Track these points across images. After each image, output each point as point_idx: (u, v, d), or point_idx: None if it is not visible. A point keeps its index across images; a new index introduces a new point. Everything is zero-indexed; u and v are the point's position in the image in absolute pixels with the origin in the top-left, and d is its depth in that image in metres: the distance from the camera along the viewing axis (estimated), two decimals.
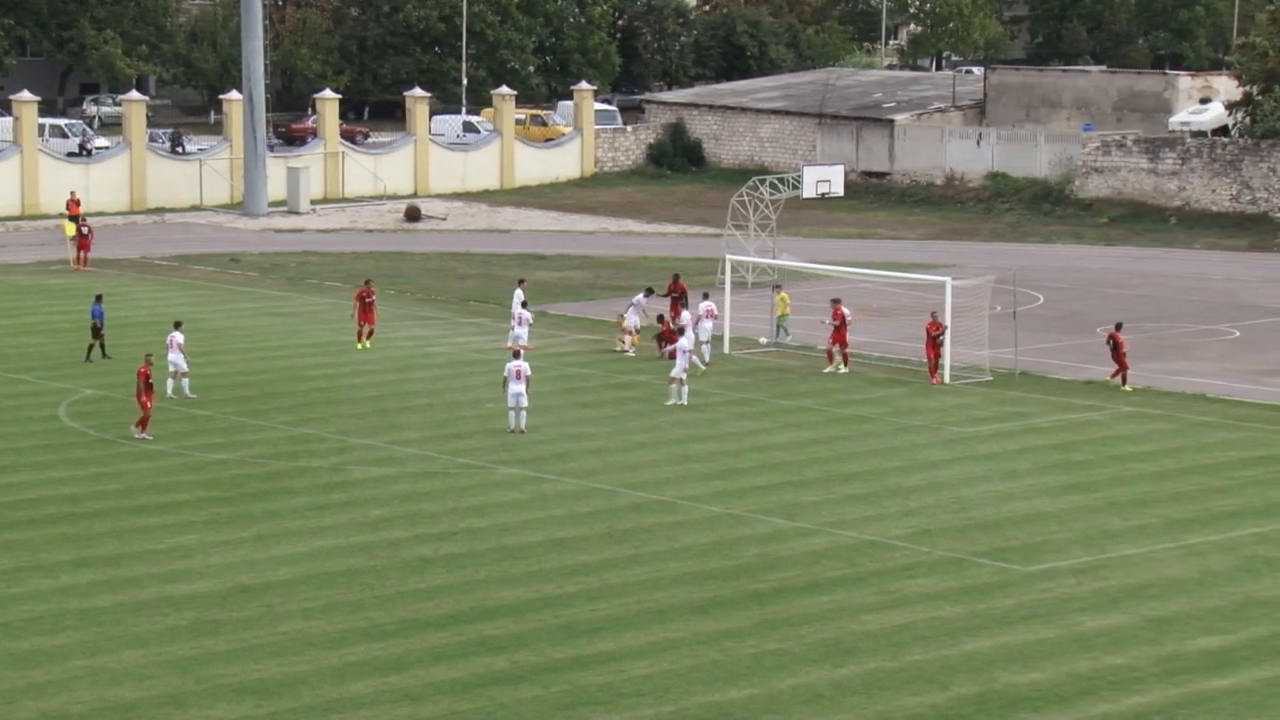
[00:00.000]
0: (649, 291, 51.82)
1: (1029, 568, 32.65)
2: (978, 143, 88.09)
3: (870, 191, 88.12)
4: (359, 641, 28.44)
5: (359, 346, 50.81)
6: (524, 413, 41.55)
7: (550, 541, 33.78)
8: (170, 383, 44.22)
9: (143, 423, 40.85)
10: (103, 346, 49.33)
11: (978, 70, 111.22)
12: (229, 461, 39.21)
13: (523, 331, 49.61)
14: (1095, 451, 41.35)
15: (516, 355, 42.41)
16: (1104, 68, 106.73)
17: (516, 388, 41.37)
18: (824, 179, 66.65)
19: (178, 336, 44.70)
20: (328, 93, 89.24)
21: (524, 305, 51.13)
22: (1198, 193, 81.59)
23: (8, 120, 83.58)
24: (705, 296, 48.92)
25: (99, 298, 50.36)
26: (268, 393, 45.18)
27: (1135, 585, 31.74)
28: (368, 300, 51.31)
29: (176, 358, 44.52)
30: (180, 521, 34.64)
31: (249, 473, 38.38)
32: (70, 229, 65.96)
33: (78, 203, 71.75)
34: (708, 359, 47.57)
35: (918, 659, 28.10)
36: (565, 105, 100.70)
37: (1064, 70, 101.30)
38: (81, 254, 61.48)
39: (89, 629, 28.79)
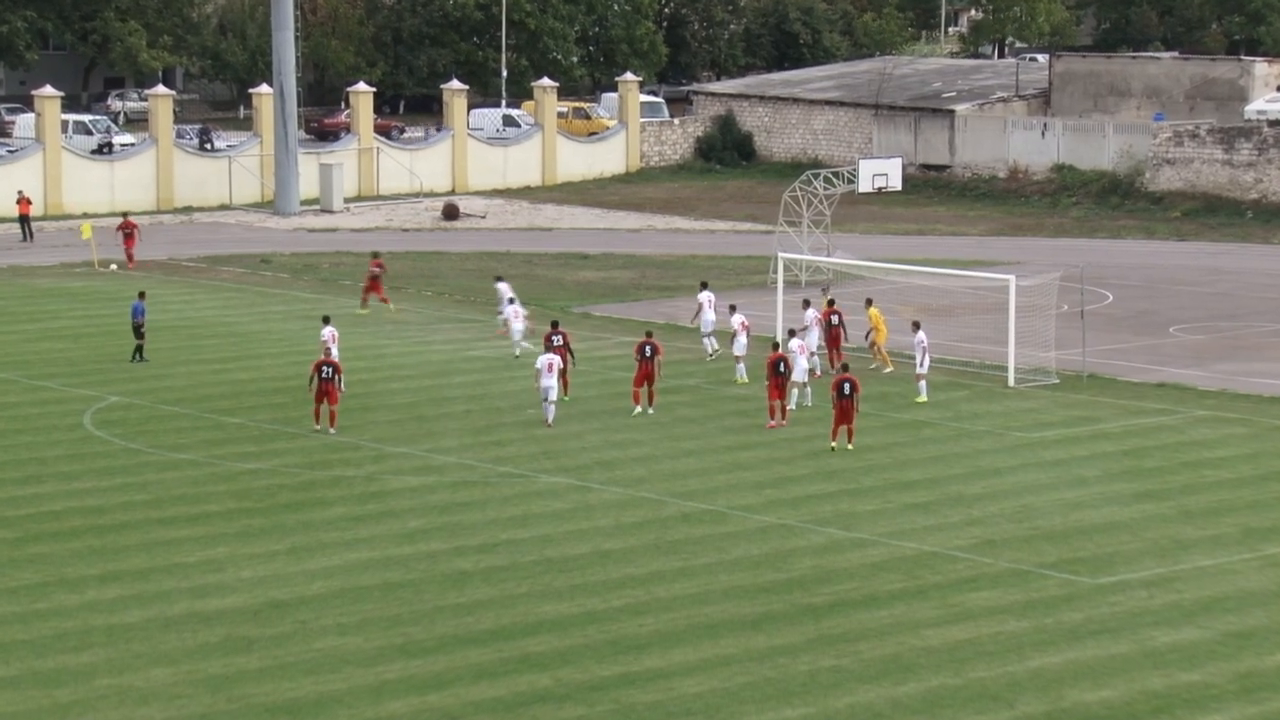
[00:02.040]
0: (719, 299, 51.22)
1: (1098, 580, 32.54)
2: (1042, 134, 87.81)
3: (929, 186, 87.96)
4: (396, 659, 28.56)
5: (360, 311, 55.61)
6: (554, 406, 42.64)
7: (595, 553, 33.84)
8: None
9: (317, 416, 41.90)
10: (141, 349, 49.60)
11: (1042, 58, 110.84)
12: (261, 471, 39.42)
13: (520, 327, 50.59)
14: (1168, 457, 41.18)
15: (550, 347, 43.25)
16: (1175, 54, 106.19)
17: (549, 381, 42.51)
18: (881, 173, 66.57)
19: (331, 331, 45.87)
20: (361, 86, 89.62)
21: (512, 301, 52.34)
22: (1276, 185, 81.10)
23: (30, 116, 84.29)
24: (733, 310, 48.62)
25: (141, 295, 50.66)
26: (301, 399, 45.37)
27: (1211, 598, 31.60)
28: (376, 273, 55.14)
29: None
30: (210, 534, 34.85)
31: (282, 483, 38.58)
32: (88, 231, 66.49)
33: (29, 201, 72.78)
34: (745, 375, 47.47)
35: (982, 676, 28.04)
36: (609, 97, 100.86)
37: (1133, 57, 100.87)
38: (369, 295, 59.08)
39: (116, 646, 28.99)
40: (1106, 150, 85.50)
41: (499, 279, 55.80)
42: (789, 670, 28.17)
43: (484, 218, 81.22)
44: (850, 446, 40.80)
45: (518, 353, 50.29)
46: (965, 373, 49.52)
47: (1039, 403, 46.26)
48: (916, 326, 46.45)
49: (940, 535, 35.09)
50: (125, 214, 70.68)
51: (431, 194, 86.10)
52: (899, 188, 68.63)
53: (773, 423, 43.00)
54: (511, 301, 52.47)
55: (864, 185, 65.67)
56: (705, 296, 50.83)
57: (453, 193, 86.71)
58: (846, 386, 40.65)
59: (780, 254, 55.27)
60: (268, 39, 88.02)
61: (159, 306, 57.53)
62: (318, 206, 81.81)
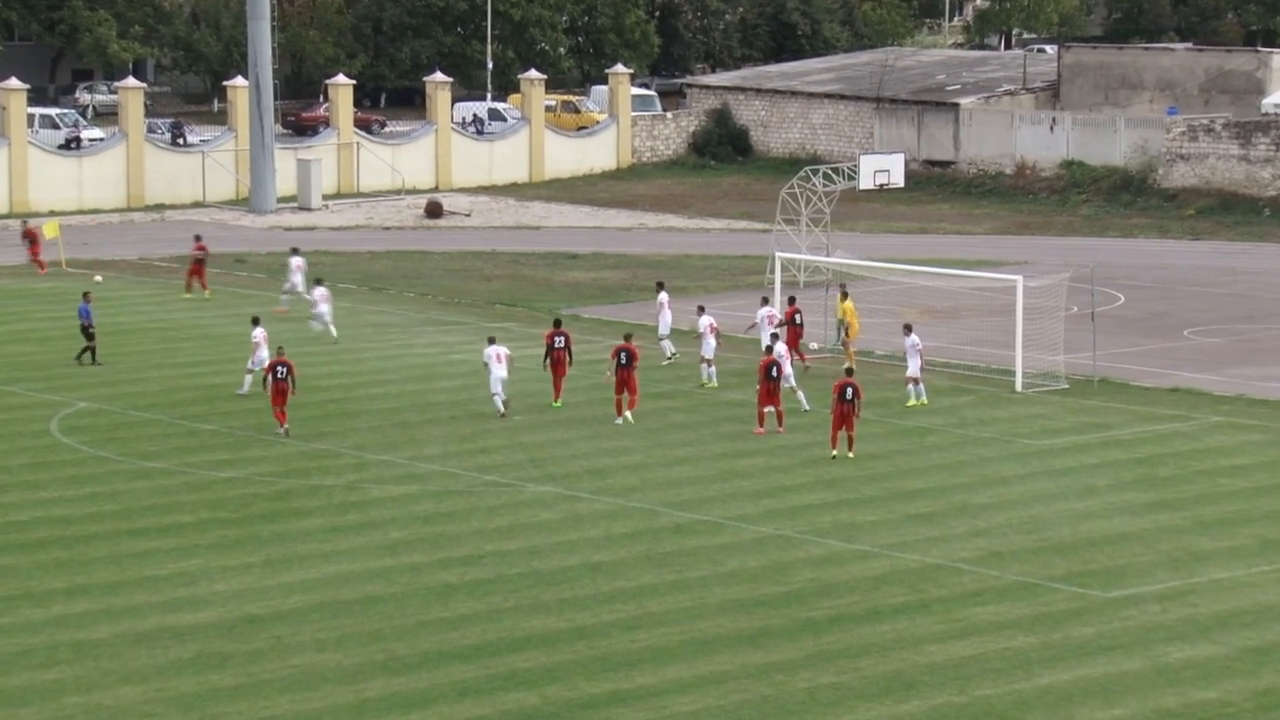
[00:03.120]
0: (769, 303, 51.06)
1: (1109, 593, 32.55)
2: (1051, 128, 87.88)
3: (933, 182, 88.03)
4: (377, 676, 28.52)
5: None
6: (501, 397, 44.21)
7: (585, 566, 33.83)
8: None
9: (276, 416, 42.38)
10: (93, 351, 49.64)
11: (1051, 49, 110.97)
12: (235, 480, 39.38)
13: (326, 309, 52.75)
14: (1182, 466, 41.21)
15: (492, 341, 44.82)
16: (1190, 45, 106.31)
17: (500, 372, 44.12)
18: (882, 169, 66.57)
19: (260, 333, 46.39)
20: (341, 78, 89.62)
21: (320, 282, 54.76)
22: None
23: None
24: (701, 310, 48.60)
25: (86, 295, 50.71)
26: None
27: (1227, 612, 31.61)
28: (200, 256, 59.00)
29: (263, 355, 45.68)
30: (182, 545, 34.81)
31: (257, 492, 38.55)
32: (52, 230, 66.39)
33: None
34: (714, 378, 47.52)
35: (988, 694, 28.03)
36: (599, 90, 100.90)
37: (1146, 48, 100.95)
38: (195, 279, 60.71)
39: (84, 663, 28.94)
40: (1118, 145, 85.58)
41: (295, 250, 58.24)
42: (787, 688, 28.15)
43: (469, 216, 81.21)
44: (851, 454, 40.80)
45: (316, 330, 52.93)
46: (971, 377, 49.54)
47: (1047, 408, 46.28)
48: (908, 329, 46.47)
49: (945, 547, 35.09)
50: (25, 220, 70.17)
51: (414, 191, 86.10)
52: (901, 184, 68.60)
53: (762, 429, 42.99)
54: (320, 282, 54.61)
55: (865, 182, 65.66)
56: (664, 297, 51.09)
57: (436, 190, 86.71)
58: (848, 391, 40.66)
59: (778, 254, 55.28)
60: (243, 29, 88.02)
61: (131, 308, 57.49)
62: (295, 204, 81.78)
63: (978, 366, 50.46)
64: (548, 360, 45.72)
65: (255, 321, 47.53)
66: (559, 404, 45.32)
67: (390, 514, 37.03)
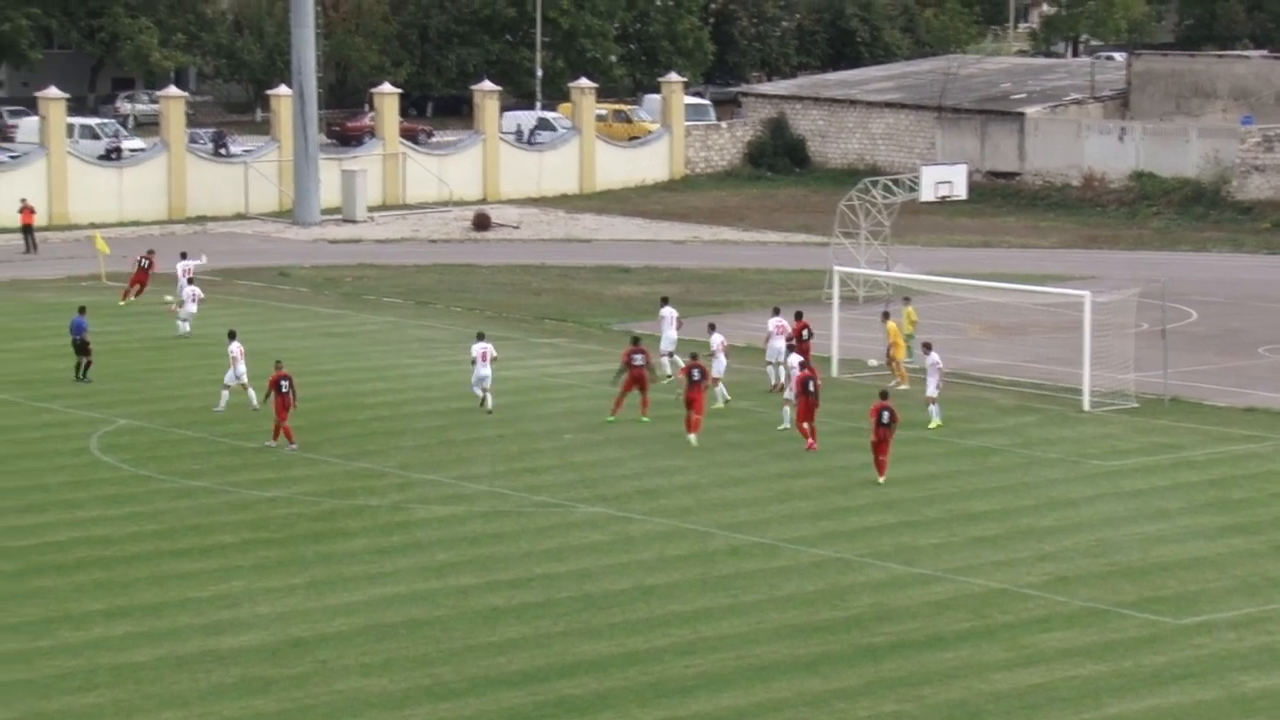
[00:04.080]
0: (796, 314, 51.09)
1: (1182, 620, 32.40)
2: (1120, 138, 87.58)
3: (997, 194, 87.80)
4: (423, 701, 28.59)
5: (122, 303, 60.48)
6: (489, 394, 46.47)
7: (637, 589, 33.85)
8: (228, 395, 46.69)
9: (280, 431, 42.91)
10: (86, 366, 50.00)
11: (1120, 56, 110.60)
12: (278, 499, 39.55)
13: (192, 308, 56.61)
14: (1257, 488, 40.98)
15: (481, 338, 47.07)
16: (1265, 52, 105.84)
17: (483, 370, 46.25)
18: (944, 180, 66.48)
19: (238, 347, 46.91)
20: (386, 87, 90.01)
21: (192, 281, 57.63)
22: None
23: (33, 120, 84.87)
24: (712, 328, 48.64)
25: (82, 310, 51.04)
26: (321, 422, 45.55)
27: None
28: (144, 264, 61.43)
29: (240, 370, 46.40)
30: (225, 566, 34.97)
31: (301, 512, 38.70)
32: (103, 245, 66.87)
33: (32, 210, 73.31)
34: (725, 394, 47.56)
35: None
36: (652, 99, 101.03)
37: (1219, 55, 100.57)
38: (136, 287, 62.19)
39: (124, 686, 29.09)
40: (1190, 156, 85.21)
41: (183, 255, 60.01)
42: (847, 716, 28.11)
43: (517, 228, 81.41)
44: (881, 480, 40.58)
45: (181, 331, 56.16)
46: (1037, 396, 49.38)
47: (1116, 428, 46.09)
48: (928, 348, 46.45)
49: (1010, 571, 34.97)
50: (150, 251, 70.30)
51: (461, 203, 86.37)
52: (964, 196, 68.48)
53: (813, 443, 43.01)
54: (191, 282, 57.57)
55: (926, 194, 65.57)
56: (667, 312, 50.70)
57: (484, 201, 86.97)
58: (885, 415, 40.54)
59: (836, 268, 55.23)
60: (286, 37, 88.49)
61: (171, 323, 57.79)
62: (339, 216, 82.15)
63: (1044, 385, 50.28)
64: (621, 376, 45.79)
65: (232, 335, 47.77)
66: (646, 419, 45.34)
67: (436, 535, 37.13)
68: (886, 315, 50.24)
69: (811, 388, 43.15)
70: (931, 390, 45.68)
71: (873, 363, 51.89)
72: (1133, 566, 35.32)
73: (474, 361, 46.62)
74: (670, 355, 50.34)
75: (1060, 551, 36.18)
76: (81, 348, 50.26)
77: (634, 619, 32.16)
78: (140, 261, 62.22)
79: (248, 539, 36.69)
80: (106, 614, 32.26)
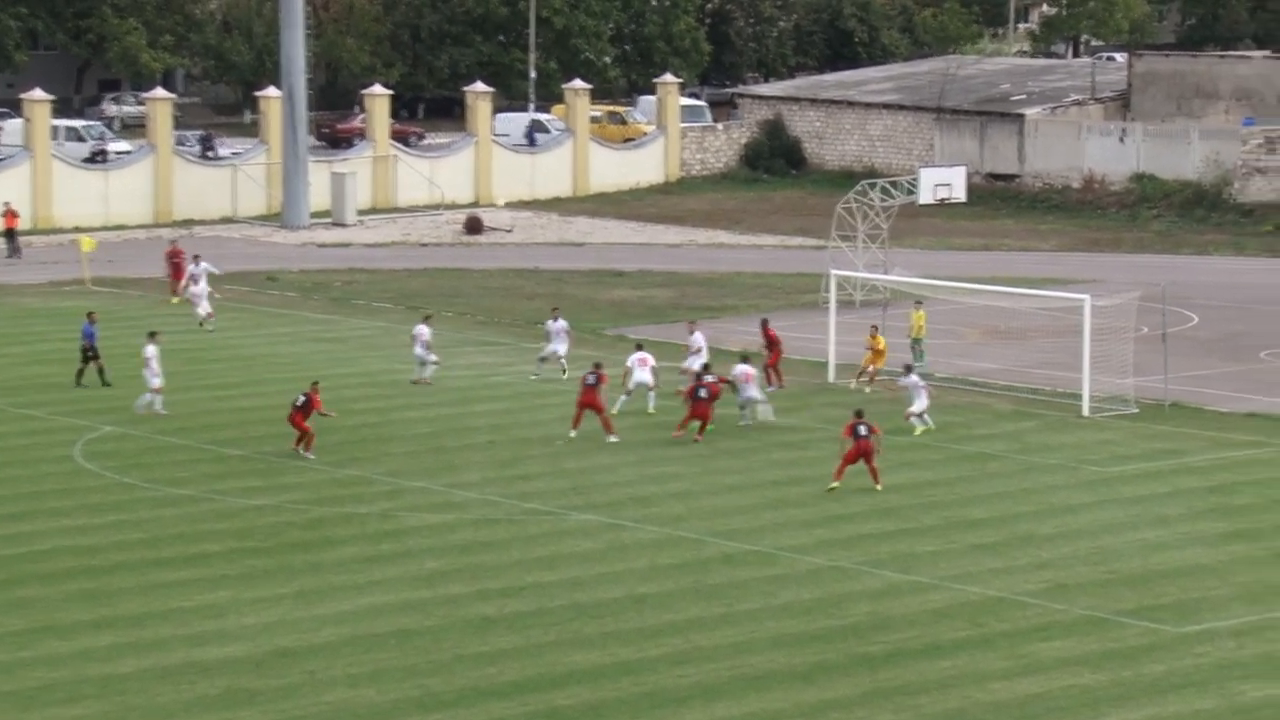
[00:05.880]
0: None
1: (1182, 628, 32.40)
2: (1121, 140, 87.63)
3: (997, 196, 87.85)
4: (412, 712, 28.58)
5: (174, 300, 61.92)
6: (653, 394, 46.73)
7: (630, 598, 33.83)
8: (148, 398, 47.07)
9: (306, 442, 42.92)
10: (101, 370, 50.03)
11: (1121, 57, 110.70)
12: (266, 508, 39.53)
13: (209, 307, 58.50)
14: (1259, 494, 40.99)
15: (427, 319, 51.49)
16: (1268, 53, 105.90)
17: (643, 376, 46.82)
18: (943, 182, 66.52)
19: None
20: (377, 88, 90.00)
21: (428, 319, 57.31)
22: None
23: (18, 122, 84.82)
24: (638, 347, 48.26)
25: (90, 316, 51.06)
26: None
27: None
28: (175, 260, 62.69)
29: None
30: (211, 576, 34.95)
31: (288, 520, 38.68)
32: (88, 245, 66.84)
33: (15, 214, 73.32)
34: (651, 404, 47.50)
35: None
36: (647, 100, 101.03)
37: (1221, 56, 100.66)
38: (178, 284, 62.56)
39: (109, 698, 29.07)
40: (1191, 158, 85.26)
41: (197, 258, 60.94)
42: None
43: (510, 232, 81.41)
44: (879, 487, 40.48)
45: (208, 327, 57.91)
46: (1036, 401, 49.40)
47: (1116, 434, 46.10)
48: (908, 369, 46.72)
49: (1008, 579, 34.97)
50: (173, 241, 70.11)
51: (453, 206, 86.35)
52: (963, 199, 68.54)
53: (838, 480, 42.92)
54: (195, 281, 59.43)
55: (925, 196, 65.61)
56: (638, 358, 47.99)
57: (476, 204, 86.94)
58: (862, 429, 40.39)
59: (833, 271, 55.24)
60: (275, 37, 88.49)
61: (158, 327, 57.69)
62: (329, 219, 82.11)
63: (1043, 390, 50.29)
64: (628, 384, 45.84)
65: (151, 336, 47.84)
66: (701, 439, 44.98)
67: (426, 543, 37.11)
68: (875, 329, 50.04)
69: (704, 394, 44.00)
70: (914, 406, 45.49)
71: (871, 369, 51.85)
72: (1133, 574, 35.33)
73: (414, 339, 50.37)
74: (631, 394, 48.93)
75: (1059, 559, 36.18)
76: (88, 354, 50.30)
77: (626, 628, 32.15)
78: (180, 260, 63.40)
79: (234, 548, 36.66)
80: (91, 624, 32.23)
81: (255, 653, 30.90)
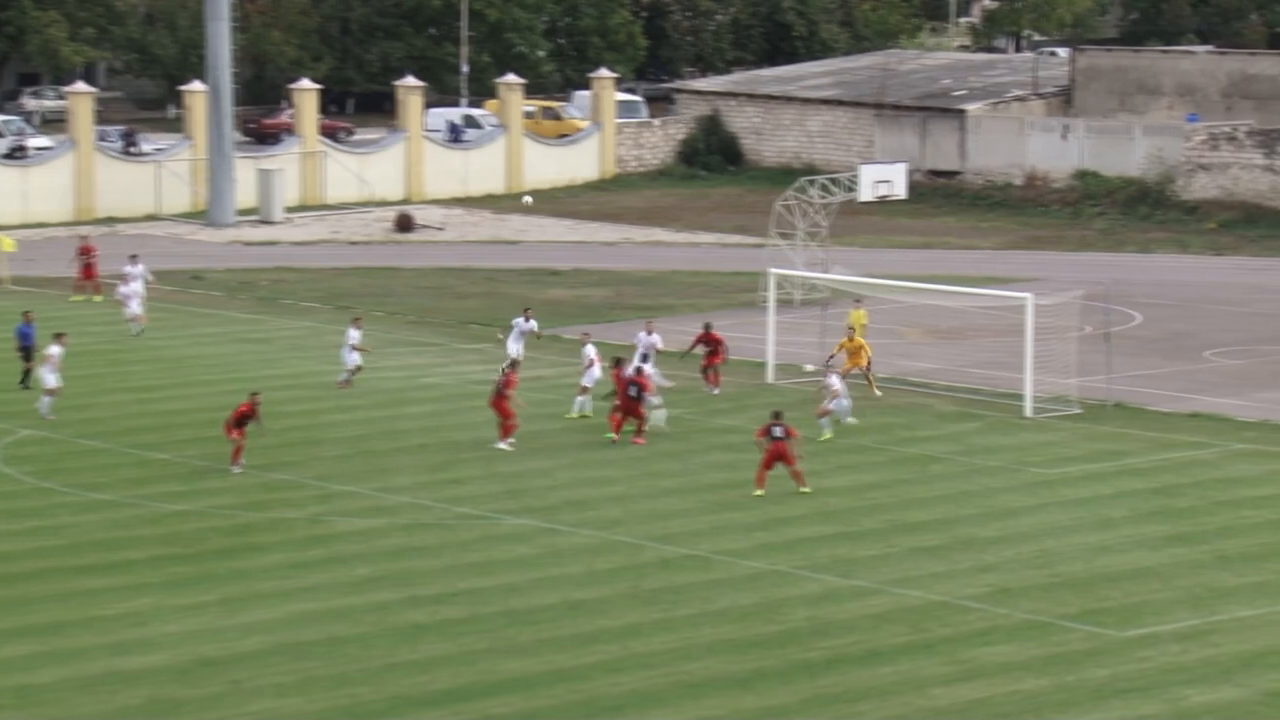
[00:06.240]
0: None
1: (1126, 633, 32.54)
2: (1063, 136, 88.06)
3: (937, 194, 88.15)
4: None
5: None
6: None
7: (565, 604, 33.78)
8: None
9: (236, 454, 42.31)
10: (27, 373, 49.68)
11: (1063, 52, 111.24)
12: (190, 513, 39.29)
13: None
14: (1202, 496, 41.22)
15: (355, 321, 51.57)
16: (1211, 48, 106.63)
17: (352, 353, 50.17)
18: (883, 179, 66.70)
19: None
20: (305, 82, 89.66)
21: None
22: None
23: None
24: (584, 337, 48.83)
25: (26, 316, 50.66)
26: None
27: (1251, 653, 31.61)
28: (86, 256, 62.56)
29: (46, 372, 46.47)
30: (133, 583, 34.71)
31: (213, 526, 38.46)
32: (8, 244, 66.29)
33: None
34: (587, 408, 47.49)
35: None
36: (582, 96, 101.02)
37: (1164, 51, 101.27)
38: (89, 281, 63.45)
39: (27, 709, 28.84)
40: (1134, 155, 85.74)
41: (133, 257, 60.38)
42: None
43: (442, 229, 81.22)
44: (806, 489, 40.46)
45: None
46: (977, 402, 49.55)
47: (1059, 435, 46.29)
48: (829, 368, 47.46)
49: (950, 583, 35.06)
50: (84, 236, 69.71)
51: (383, 203, 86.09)
52: (904, 196, 68.74)
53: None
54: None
55: (865, 193, 65.77)
56: (591, 350, 48.62)
57: (407, 202, 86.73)
58: (778, 430, 40.32)
59: (772, 270, 55.29)
60: (200, 30, 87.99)
61: (78, 328, 57.28)
62: (256, 217, 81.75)
63: (985, 390, 50.45)
64: (617, 397, 45.57)
65: (57, 337, 47.53)
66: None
67: (356, 549, 36.96)
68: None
69: (634, 393, 44.42)
70: (829, 405, 45.42)
71: (809, 368, 51.96)
72: (1076, 577, 35.46)
73: (345, 341, 50.39)
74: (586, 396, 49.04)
75: (1002, 562, 36.29)
76: (26, 355, 49.97)
77: (562, 635, 32.09)
78: (91, 256, 63.03)
79: (157, 554, 36.43)
80: (8, 633, 31.97)
81: (179, 661, 30.71)
